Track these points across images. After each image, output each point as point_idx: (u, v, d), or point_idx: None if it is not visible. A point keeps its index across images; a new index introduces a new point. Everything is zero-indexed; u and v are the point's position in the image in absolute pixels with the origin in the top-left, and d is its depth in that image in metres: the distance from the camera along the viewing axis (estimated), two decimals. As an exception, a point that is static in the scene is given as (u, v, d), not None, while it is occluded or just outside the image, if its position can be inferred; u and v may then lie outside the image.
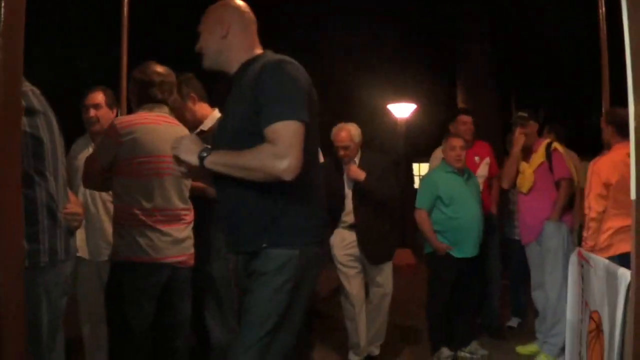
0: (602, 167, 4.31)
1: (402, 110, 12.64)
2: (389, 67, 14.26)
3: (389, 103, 12.91)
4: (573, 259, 3.86)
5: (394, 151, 12.10)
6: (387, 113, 13.06)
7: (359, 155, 5.05)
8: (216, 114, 4.07)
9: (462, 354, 5.21)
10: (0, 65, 1.72)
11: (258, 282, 2.47)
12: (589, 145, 5.08)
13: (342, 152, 4.97)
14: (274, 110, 2.36)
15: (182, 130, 3.55)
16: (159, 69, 3.58)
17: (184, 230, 3.49)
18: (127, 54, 4.79)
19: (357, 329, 5.06)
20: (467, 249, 5.03)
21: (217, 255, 3.82)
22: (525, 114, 5.33)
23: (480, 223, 5.12)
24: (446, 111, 13.74)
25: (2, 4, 1.70)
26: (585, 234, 4.35)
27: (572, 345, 3.76)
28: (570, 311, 3.80)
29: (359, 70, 14.37)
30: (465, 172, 5.22)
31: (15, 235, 1.81)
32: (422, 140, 14.57)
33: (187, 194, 3.55)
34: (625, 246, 3.84)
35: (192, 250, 3.55)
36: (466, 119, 5.92)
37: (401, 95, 12.82)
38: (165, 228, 3.37)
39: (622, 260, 3.37)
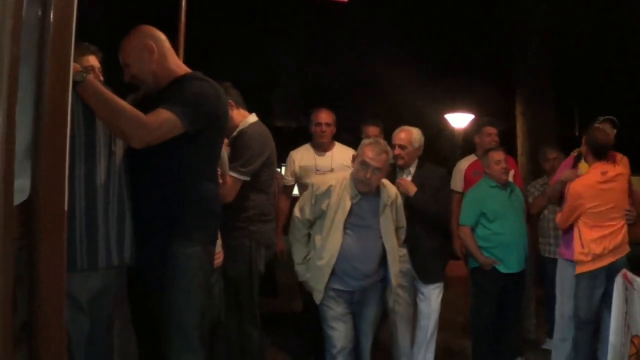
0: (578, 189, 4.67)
1: (459, 120, 12.56)
2: (448, 77, 14.13)
3: (446, 113, 12.82)
4: (618, 280, 3.75)
5: (451, 161, 11.97)
6: (445, 123, 12.96)
7: (414, 165, 4.75)
8: (250, 118, 4.17)
9: (506, 370, 5.12)
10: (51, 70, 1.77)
11: None
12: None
13: (397, 151, 4.63)
14: (168, 101, 2.69)
15: None
16: None
17: None
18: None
19: (400, 351, 4.86)
20: (511, 265, 4.95)
21: None
22: (614, 118, 5.17)
23: (524, 238, 5.05)
24: (504, 122, 13.54)
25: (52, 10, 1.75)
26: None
27: (615, 369, 3.65)
28: (614, 334, 3.69)
29: (416, 80, 14.30)
30: (509, 186, 5.13)
31: (58, 236, 1.83)
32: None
33: None
34: None
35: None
36: (491, 130, 5.78)
37: (459, 105, 12.72)
38: None
39: None
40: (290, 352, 5.41)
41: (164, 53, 2.88)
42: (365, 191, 3.98)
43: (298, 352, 5.22)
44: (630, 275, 3.60)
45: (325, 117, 5.11)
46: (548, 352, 5.39)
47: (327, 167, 5.05)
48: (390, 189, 4.14)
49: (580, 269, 4.59)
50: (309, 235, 4.12)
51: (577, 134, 17.51)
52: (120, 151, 2.73)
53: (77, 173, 2.55)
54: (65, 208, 1.88)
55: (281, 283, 7.36)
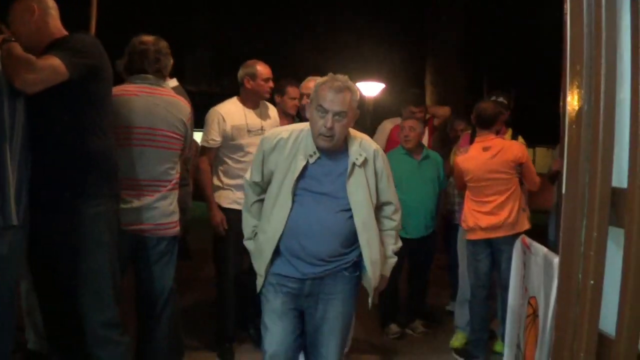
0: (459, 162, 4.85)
1: (370, 88, 12.71)
2: (359, 46, 14.22)
3: (357, 81, 12.94)
4: (517, 245, 3.94)
5: (360, 129, 12.10)
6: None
7: None
8: (170, 82, 4.14)
9: (407, 330, 5.42)
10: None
11: None
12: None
13: (305, 101, 4.13)
14: (55, 50, 2.84)
15: (163, 99, 3.59)
16: (144, 38, 3.63)
17: (153, 201, 3.49)
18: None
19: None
20: (412, 231, 5.12)
21: None
22: (505, 102, 5.22)
23: (428, 205, 5.23)
24: (414, 91, 13.78)
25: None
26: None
27: (512, 329, 3.85)
28: (512, 296, 3.87)
29: (327, 48, 14.31)
30: (424, 153, 5.26)
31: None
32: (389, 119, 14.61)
33: (162, 167, 3.56)
34: None
35: (163, 220, 3.56)
36: (414, 109, 5.77)
37: (370, 74, 12.86)
38: (126, 197, 3.38)
39: None
40: (204, 316, 5.44)
41: (44, 16, 3.01)
42: (328, 147, 2.96)
43: (211, 316, 5.24)
44: (528, 240, 3.77)
45: (270, 71, 4.66)
46: (451, 314, 5.65)
47: (257, 125, 4.65)
48: (365, 144, 3.09)
49: (465, 236, 4.88)
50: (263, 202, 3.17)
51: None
52: (22, 108, 2.77)
53: None
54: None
55: (193, 248, 7.34)
